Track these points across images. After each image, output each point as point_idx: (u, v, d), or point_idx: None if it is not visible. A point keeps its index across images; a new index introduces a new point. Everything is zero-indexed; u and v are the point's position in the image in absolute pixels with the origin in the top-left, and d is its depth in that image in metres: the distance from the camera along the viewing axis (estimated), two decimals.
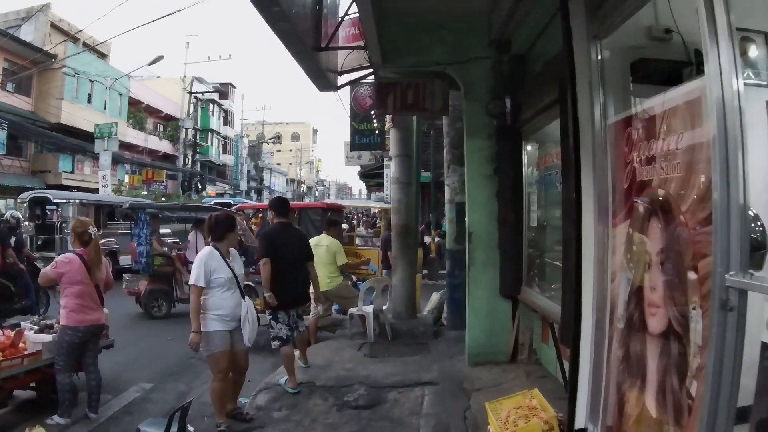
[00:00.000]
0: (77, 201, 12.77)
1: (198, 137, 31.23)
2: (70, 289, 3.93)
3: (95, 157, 19.20)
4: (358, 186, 58.65)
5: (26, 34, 19.70)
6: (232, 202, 18.42)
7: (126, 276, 8.68)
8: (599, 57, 2.57)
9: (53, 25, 20.52)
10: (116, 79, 22.25)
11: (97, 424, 3.99)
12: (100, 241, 4.15)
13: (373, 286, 6.35)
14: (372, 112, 14.15)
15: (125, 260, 12.86)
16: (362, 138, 15.89)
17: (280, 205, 4.87)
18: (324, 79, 5.52)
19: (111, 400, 4.51)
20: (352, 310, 6.07)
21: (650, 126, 2.12)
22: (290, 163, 58.39)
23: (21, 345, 4.15)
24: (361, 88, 14.62)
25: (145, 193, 23.99)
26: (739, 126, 1.61)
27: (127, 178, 25.03)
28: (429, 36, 4.98)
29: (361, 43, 5.19)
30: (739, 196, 1.59)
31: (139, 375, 5.22)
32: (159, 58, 19.36)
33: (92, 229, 4.09)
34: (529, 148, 4.85)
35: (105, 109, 22.36)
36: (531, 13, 4.10)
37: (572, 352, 2.68)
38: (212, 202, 17.93)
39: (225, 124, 38.00)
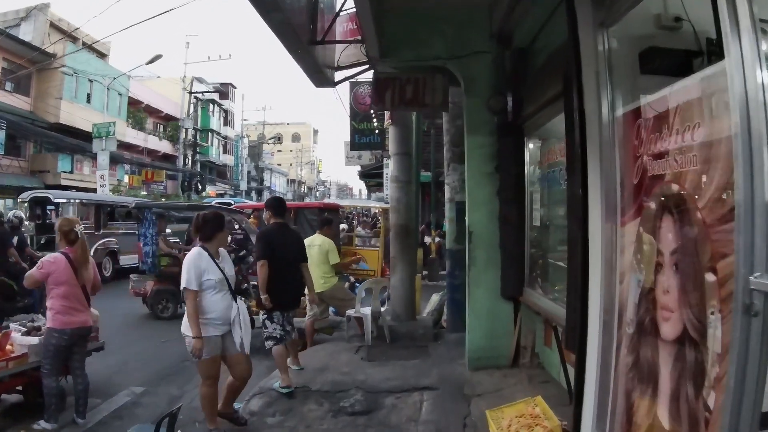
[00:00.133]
0: (77, 201, 12.74)
1: (198, 137, 31.13)
2: (56, 290, 3.81)
3: (94, 157, 19.09)
4: (359, 186, 58.59)
5: (25, 33, 19.66)
6: (232, 203, 18.30)
7: (132, 276, 8.65)
8: (606, 46, 2.44)
9: (52, 25, 20.44)
10: (114, 78, 22.16)
11: (85, 430, 3.87)
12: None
13: (372, 287, 6.21)
14: (372, 110, 14.07)
15: (125, 260, 12.88)
16: (362, 137, 15.83)
17: (277, 204, 4.83)
18: (320, 75, 5.39)
19: (100, 404, 4.40)
20: (350, 311, 5.93)
21: (663, 117, 1.98)
22: (291, 164, 58.32)
23: (8, 347, 4.03)
24: (360, 87, 14.57)
25: (144, 193, 23.92)
26: (764, 120, 1.48)
27: (126, 178, 24.94)
28: (428, 29, 4.85)
29: (359, 37, 5.06)
30: (765, 191, 1.46)
31: (131, 378, 5.10)
32: (157, 57, 19.27)
33: (78, 228, 3.96)
34: (531, 145, 4.73)
35: (105, 109, 22.28)
36: (533, 3, 3.96)
37: (578, 358, 2.55)
38: (213, 203, 17.84)
39: (225, 124, 37.93)
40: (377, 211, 16.47)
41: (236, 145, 39.82)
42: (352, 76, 6.73)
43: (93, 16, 45.08)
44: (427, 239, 12.93)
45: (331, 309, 6.46)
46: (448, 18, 4.83)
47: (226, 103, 37.60)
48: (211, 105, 34.59)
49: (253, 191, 43.38)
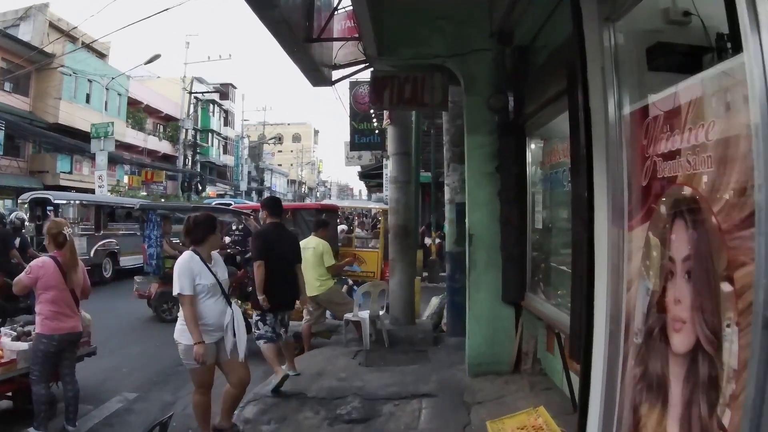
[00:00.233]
0: (77, 202, 12.69)
1: (198, 138, 31.04)
2: (45, 295, 3.71)
3: (93, 158, 19.02)
4: (359, 187, 58.46)
5: (24, 33, 19.58)
6: (232, 203, 18.21)
7: (137, 278, 8.57)
8: (612, 41, 2.33)
9: (51, 25, 20.35)
10: (113, 78, 22.07)
11: None
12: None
13: (370, 290, 6.10)
14: (371, 110, 13.98)
15: (126, 261, 12.83)
16: (362, 138, 15.75)
17: (273, 204, 4.82)
18: (317, 73, 5.29)
19: (92, 411, 4.28)
20: (348, 315, 5.81)
21: (674, 115, 1.87)
22: (291, 164, 58.20)
23: None
24: (360, 87, 14.49)
25: (144, 193, 23.82)
26: None
27: (126, 179, 24.84)
28: (427, 27, 4.75)
29: (356, 35, 4.95)
30: None
31: (124, 384, 4.98)
32: (156, 57, 19.15)
33: (67, 230, 3.85)
34: (533, 145, 4.62)
35: (104, 109, 22.19)
36: (534, 1, 3.85)
37: (583, 368, 2.44)
38: (214, 203, 17.76)
39: (225, 124, 37.83)
40: (377, 211, 16.37)
41: (236, 146, 39.73)
42: (350, 75, 6.64)
43: (91, 15, 44.74)
44: (428, 240, 12.83)
45: (327, 312, 6.35)
46: (448, 15, 4.72)
47: (226, 104, 37.51)
48: (211, 105, 34.50)
49: (254, 192, 43.27)
